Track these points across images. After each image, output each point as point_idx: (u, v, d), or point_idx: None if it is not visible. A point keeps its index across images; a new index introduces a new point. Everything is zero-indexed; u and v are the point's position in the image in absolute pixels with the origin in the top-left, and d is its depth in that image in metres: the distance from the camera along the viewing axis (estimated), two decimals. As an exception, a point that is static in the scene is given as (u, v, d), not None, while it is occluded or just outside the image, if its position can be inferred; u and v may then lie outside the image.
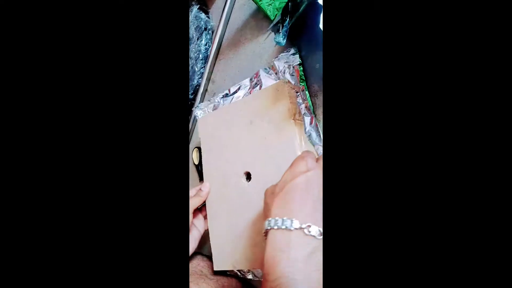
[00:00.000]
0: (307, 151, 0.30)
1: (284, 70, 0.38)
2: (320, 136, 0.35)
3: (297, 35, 0.40)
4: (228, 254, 0.40)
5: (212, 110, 0.48)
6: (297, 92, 0.36)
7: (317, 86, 0.37)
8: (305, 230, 0.24)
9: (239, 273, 0.42)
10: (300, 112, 0.36)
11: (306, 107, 0.36)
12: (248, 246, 0.38)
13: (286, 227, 0.24)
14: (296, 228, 0.24)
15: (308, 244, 0.24)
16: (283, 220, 0.25)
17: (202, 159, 0.46)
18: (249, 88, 0.44)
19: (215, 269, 0.42)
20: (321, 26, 0.31)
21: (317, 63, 0.37)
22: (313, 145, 0.35)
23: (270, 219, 0.26)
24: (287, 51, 0.39)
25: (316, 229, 0.24)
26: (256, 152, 0.38)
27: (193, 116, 0.58)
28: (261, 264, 0.30)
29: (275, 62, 0.40)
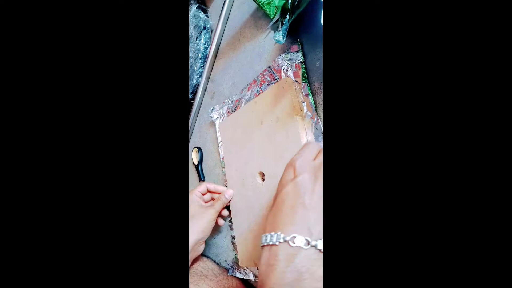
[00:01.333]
0: (303, 149, 0.29)
1: (287, 68, 0.38)
2: (322, 133, 0.35)
3: (297, 33, 0.39)
4: (250, 252, 0.40)
5: (226, 112, 0.49)
6: (298, 82, 0.37)
7: (318, 84, 0.37)
8: (290, 242, 0.24)
9: (239, 274, 0.42)
10: (305, 108, 0.36)
11: (308, 104, 0.36)
12: None
13: (273, 242, 0.24)
14: (281, 242, 0.24)
15: (294, 255, 0.23)
16: (271, 235, 0.25)
17: (224, 161, 0.47)
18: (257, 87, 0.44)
19: (240, 265, 0.42)
20: (322, 22, 0.30)
21: (318, 61, 0.37)
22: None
23: (262, 235, 0.26)
24: (291, 49, 0.39)
25: (301, 239, 0.24)
26: (267, 151, 0.39)
27: (192, 116, 0.57)
28: None
29: (278, 59, 0.40)
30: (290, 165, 0.28)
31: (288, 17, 0.34)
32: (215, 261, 0.48)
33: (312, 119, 0.35)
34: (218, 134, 0.50)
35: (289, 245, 0.24)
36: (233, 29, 0.53)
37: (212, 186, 0.46)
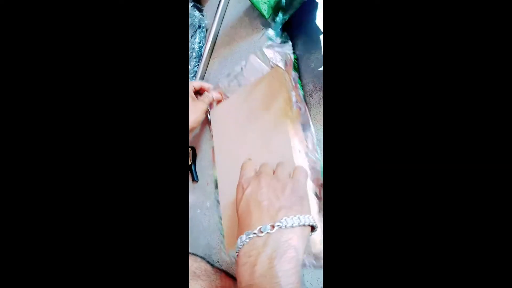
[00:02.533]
0: (241, 170, 0.33)
1: (276, 58, 0.39)
2: (310, 126, 0.35)
3: (291, 34, 0.39)
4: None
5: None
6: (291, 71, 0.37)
7: (312, 85, 0.37)
8: (258, 234, 0.25)
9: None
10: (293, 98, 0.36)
11: (297, 94, 0.36)
12: None
13: (242, 241, 0.26)
14: (251, 237, 0.25)
15: (264, 245, 0.24)
16: (240, 238, 0.26)
17: (215, 152, 0.47)
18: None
19: (227, 259, 0.42)
20: (317, 22, 0.31)
21: (312, 62, 0.37)
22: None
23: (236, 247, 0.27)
24: (278, 40, 0.39)
25: (267, 226, 0.25)
26: (257, 143, 0.39)
27: (186, 115, 0.57)
28: None
29: (264, 50, 0.40)
30: (238, 185, 0.31)
31: (282, 15, 0.34)
32: (208, 262, 0.47)
33: (299, 109, 0.35)
34: (210, 119, 0.49)
35: (258, 236, 0.25)
36: (228, 29, 0.52)
37: (205, 85, 0.48)
